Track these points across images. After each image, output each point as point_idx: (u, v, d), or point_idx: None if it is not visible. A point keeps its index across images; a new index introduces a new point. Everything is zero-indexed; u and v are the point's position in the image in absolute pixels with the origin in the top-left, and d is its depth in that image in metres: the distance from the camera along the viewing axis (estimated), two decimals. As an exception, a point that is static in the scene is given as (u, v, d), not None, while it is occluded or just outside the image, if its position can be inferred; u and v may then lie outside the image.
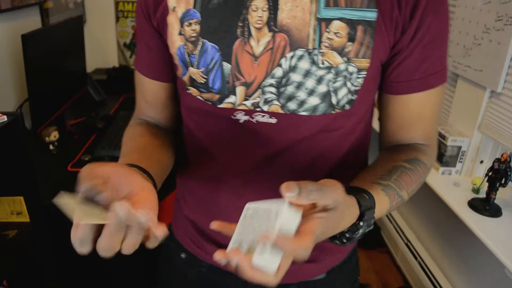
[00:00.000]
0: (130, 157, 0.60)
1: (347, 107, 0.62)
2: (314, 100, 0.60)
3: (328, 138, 0.64)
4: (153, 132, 0.72)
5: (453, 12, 1.80)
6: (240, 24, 0.59)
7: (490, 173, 1.45)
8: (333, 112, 0.61)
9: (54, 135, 1.66)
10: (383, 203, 0.55)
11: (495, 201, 1.50)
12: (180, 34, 0.62)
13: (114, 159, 1.58)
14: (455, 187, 1.66)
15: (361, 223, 0.52)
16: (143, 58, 0.71)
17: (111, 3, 2.66)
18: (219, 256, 0.43)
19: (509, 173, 1.41)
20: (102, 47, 2.71)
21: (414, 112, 0.66)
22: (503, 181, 1.43)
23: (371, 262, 2.31)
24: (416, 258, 2.06)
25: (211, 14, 0.60)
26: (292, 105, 0.61)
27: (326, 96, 0.60)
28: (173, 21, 0.63)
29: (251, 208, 0.49)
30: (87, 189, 0.43)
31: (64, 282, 1.49)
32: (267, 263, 0.41)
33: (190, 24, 0.61)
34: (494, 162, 1.44)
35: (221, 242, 0.75)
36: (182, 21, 0.62)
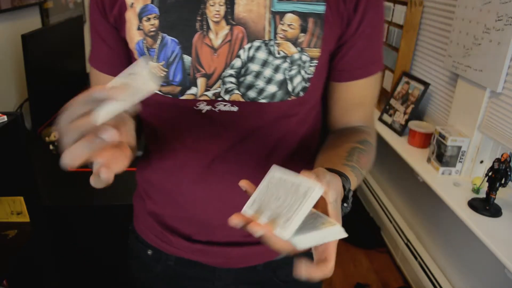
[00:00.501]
0: None
1: (301, 94, 0.66)
2: (272, 88, 0.64)
3: (286, 124, 0.68)
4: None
5: (453, 12, 1.80)
6: (199, 18, 0.62)
7: (490, 173, 1.45)
8: (289, 99, 0.65)
9: (54, 135, 1.66)
10: (353, 183, 0.59)
11: (495, 201, 1.49)
12: (138, 29, 0.64)
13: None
14: (455, 187, 1.66)
15: (345, 205, 0.55)
16: (101, 55, 0.71)
17: (111, 3, 2.66)
18: (237, 220, 0.45)
19: (509, 173, 1.41)
20: (102, 47, 2.70)
21: (357, 98, 0.72)
22: (503, 181, 1.43)
23: (371, 262, 2.31)
24: (416, 258, 2.06)
25: (170, 9, 0.62)
26: (252, 94, 0.64)
27: (283, 84, 0.64)
28: (131, 16, 0.64)
29: (276, 175, 0.49)
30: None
31: (64, 282, 1.49)
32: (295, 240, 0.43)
33: (149, 19, 0.63)
34: (494, 162, 1.44)
35: (187, 234, 0.77)
36: (140, 16, 0.63)
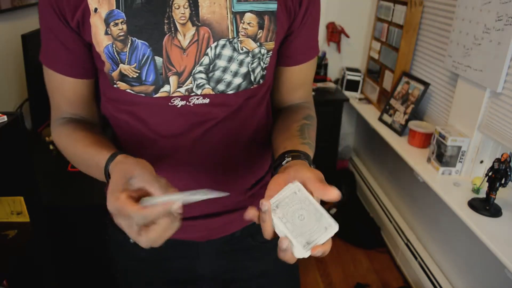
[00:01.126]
0: (100, 145, 0.67)
1: (261, 81, 0.75)
2: (238, 80, 0.72)
3: (248, 106, 0.77)
4: (85, 126, 0.75)
5: (453, 12, 1.80)
6: (166, 21, 0.66)
7: (490, 173, 1.45)
8: (251, 87, 0.74)
9: (54, 135, 1.66)
10: (311, 157, 0.69)
11: (495, 201, 1.49)
12: (106, 33, 0.66)
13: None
14: (455, 187, 1.66)
15: None
16: (60, 57, 0.72)
17: (111, 3, 2.66)
18: (266, 207, 0.55)
19: (509, 173, 1.41)
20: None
21: (300, 79, 0.83)
22: (503, 181, 1.43)
23: (371, 262, 2.31)
24: (416, 258, 2.06)
25: (136, 13, 0.65)
26: (221, 87, 0.72)
27: (246, 76, 0.72)
28: (96, 22, 0.65)
29: (302, 193, 0.57)
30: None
31: (64, 282, 1.49)
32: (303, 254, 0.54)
33: (116, 24, 0.65)
34: (494, 162, 1.44)
35: None
36: (107, 22, 0.65)
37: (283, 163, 0.64)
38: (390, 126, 2.21)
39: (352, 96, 2.73)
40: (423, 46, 2.16)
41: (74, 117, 0.78)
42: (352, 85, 2.76)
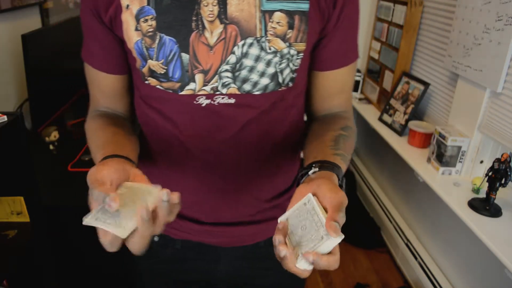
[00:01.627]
0: (107, 149, 0.66)
1: (290, 84, 0.72)
2: (265, 81, 0.70)
3: (277, 109, 0.74)
4: (115, 121, 0.77)
5: (453, 12, 1.80)
6: (194, 18, 0.66)
7: (490, 173, 1.45)
8: (279, 89, 0.72)
9: (54, 135, 1.66)
10: (343, 170, 0.67)
11: (495, 201, 1.49)
12: (136, 29, 0.67)
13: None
14: (455, 187, 1.66)
15: None
16: (96, 54, 0.75)
17: (111, 3, 2.66)
18: (280, 225, 0.55)
19: (509, 173, 1.41)
20: (102, 47, 2.70)
21: (337, 85, 0.78)
22: (503, 181, 1.43)
23: (371, 262, 2.31)
24: (416, 258, 2.06)
25: (166, 10, 0.66)
26: (247, 87, 0.70)
27: (274, 76, 0.70)
28: (128, 18, 0.67)
29: (310, 204, 0.56)
30: (99, 197, 0.52)
31: (64, 282, 1.49)
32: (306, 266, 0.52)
33: (146, 20, 0.66)
34: (494, 162, 1.44)
35: (196, 217, 0.82)
36: (137, 18, 0.67)
37: (309, 172, 0.62)
38: (390, 126, 2.21)
39: (352, 96, 2.73)
40: (423, 46, 2.16)
41: (109, 111, 0.80)
42: (352, 85, 2.76)
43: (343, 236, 0.51)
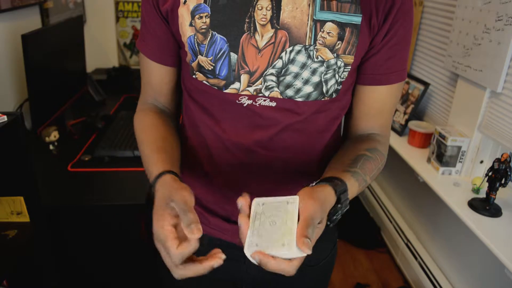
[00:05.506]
0: (162, 160, 0.69)
1: (334, 95, 0.73)
2: (308, 89, 0.70)
3: (319, 120, 0.75)
4: (164, 122, 0.80)
5: (453, 12, 1.80)
6: (247, 20, 0.68)
7: (490, 173, 1.45)
8: (323, 99, 0.72)
9: (54, 135, 1.66)
10: (353, 186, 0.66)
11: (495, 201, 1.49)
12: (191, 25, 0.70)
13: (114, 159, 1.58)
14: (455, 187, 1.66)
15: (339, 205, 0.62)
16: (150, 43, 0.78)
17: (111, 3, 2.66)
18: (255, 257, 0.54)
19: (509, 173, 1.41)
20: (102, 47, 2.71)
21: (376, 104, 0.77)
22: (503, 181, 1.43)
23: (371, 262, 2.31)
24: (416, 258, 2.06)
25: (221, 9, 0.68)
26: (290, 92, 0.71)
27: (318, 85, 0.71)
28: (184, 13, 0.70)
29: (293, 206, 0.56)
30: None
31: (64, 282, 1.49)
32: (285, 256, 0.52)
33: (201, 17, 0.69)
34: (494, 162, 1.44)
35: (225, 215, 0.83)
36: (193, 14, 0.69)
37: (311, 184, 0.63)
38: (390, 126, 2.21)
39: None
40: (423, 46, 2.16)
41: (157, 104, 0.84)
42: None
43: (309, 253, 0.52)
